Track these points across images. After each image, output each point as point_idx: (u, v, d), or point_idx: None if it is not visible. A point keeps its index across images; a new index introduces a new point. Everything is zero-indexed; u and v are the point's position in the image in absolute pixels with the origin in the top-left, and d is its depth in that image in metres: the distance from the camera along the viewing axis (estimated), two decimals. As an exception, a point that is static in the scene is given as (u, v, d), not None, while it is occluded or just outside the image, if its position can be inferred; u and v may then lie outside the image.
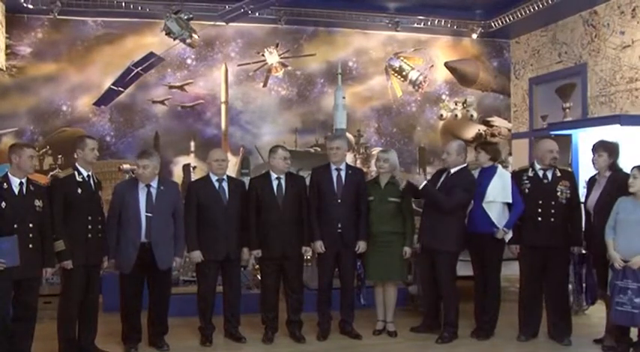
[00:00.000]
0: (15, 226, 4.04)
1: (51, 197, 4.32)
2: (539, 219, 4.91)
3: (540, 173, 5.01)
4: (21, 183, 4.15)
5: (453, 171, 5.10)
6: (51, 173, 7.51)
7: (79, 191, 4.42)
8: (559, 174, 4.97)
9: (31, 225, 4.12)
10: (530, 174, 5.05)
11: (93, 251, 4.46)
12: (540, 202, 4.92)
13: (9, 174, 4.17)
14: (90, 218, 4.45)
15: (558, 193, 4.90)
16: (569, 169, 5.15)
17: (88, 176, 4.54)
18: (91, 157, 4.56)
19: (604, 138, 4.95)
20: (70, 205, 4.37)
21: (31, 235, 4.12)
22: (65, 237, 4.30)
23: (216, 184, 5.01)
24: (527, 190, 5.00)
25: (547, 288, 5.03)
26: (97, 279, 4.62)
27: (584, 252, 5.14)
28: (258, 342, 5.04)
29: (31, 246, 4.11)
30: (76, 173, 4.48)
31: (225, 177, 5.06)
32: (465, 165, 5.13)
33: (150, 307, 4.87)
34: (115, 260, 4.68)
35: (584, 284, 5.54)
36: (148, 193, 4.69)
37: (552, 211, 4.89)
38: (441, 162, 5.26)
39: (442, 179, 5.14)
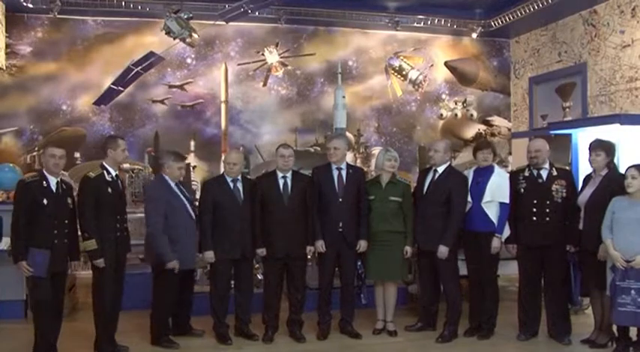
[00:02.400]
0: (55, 222, 4.27)
1: (83, 196, 4.48)
2: (535, 218, 4.91)
3: (535, 172, 5.02)
4: (57, 183, 4.36)
5: (440, 169, 5.13)
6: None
7: (110, 190, 4.55)
8: (555, 173, 4.96)
9: (66, 222, 4.36)
10: (527, 173, 5.07)
11: (121, 249, 4.63)
12: (535, 202, 4.93)
13: (45, 173, 4.36)
14: (119, 217, 4.61)
15: (554, 192, 4.89)
16: (567, 168, 5.13)
17: (116, 175, 4.68)
18: (122, 158, 4.75)
19: (599, 138, 4.95)
20: (101, 204, 4.49)
21: (66, 231, 4.35)
22: (97, 236, 4.42)
23: (231, 184, 5.04)
24: (522, 190, 5.01)
25: (546, 287, 5.04)
26: (123, 276, 4.75)
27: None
28: (259, 341, 5.04)
29: (65, 240, 4.35)
30: (105, 172, 4.59)
31: (239, 177, 5.09)
32: (449, 163, 5.21)
33: (184, 300, 5.04)
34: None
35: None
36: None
37: (547, 210, 4.89)
38: (429, 159, 5.28)
39: (430, 178, 5.16)
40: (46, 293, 4.25)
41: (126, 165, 7.03)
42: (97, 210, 4.45)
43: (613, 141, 4.96)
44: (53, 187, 4.32)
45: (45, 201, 4.23)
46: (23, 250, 4.17)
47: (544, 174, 4.97)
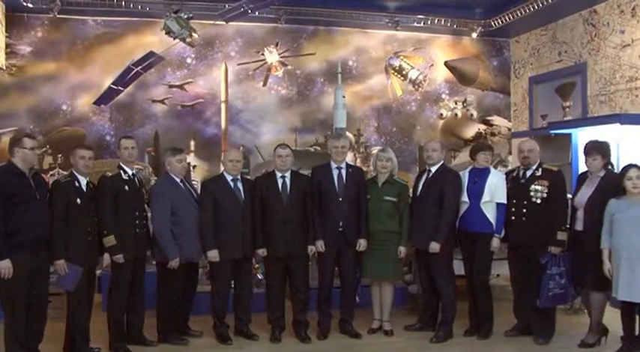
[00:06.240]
0: (89, 220, 4.51)
1: (101, 194, 4.63)
2: (513, 218, 4.97)
3: (521, 173, 5.04)
4: (87, 183, 4.61)
5: (434, 169, 5.14)
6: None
7: (127, 188, 4.70)
8: (539, 173, 4.95)
9: (96, 219, 4.59)
10: (514, 174, 5.10)
11: (140, 245, 4.78)
12: (514, 201, 4.98)
13: (75, 173, 4.57)
14: (137, 214, 4.76)
15: (531, 193, 4.90)
16: (555, 169, 5.05)
17: (133, 174, 4.83)
18: (126, 155, 4.86)
19: (593, 140, 4.96)
20: (119, 202, 4.64)
21: (96, 228, 4.58)
22: (116, 233, 4.59)
23: (232, 183, 5.04)
24: (507, 190, 5.05)
25: (528, 287, 5.01)
26: (144, 272, 4.90)
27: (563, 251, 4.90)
28: (263, 341, 5.05)
29: (96, 238, 4.58)
30: (121, 172, 4.76)
31: (239, 176, 5.10)
32: (443, 162, 5.25)
33: (185, 300, 5.10)
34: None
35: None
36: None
37: (524, 210, 4.91)
38: (427, 159, 5.27)
39: (424, 178, 5.18)
40: (84, 288, 4.51)
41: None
42: (115, 208, 4.62)
43: (606, 141, 4.96)
44: (84, 187, 4.55)
45: (79, 201, 4.45)
46: (62, 248, 4.35)
47: (528, 174, 4.99)
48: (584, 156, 4.87)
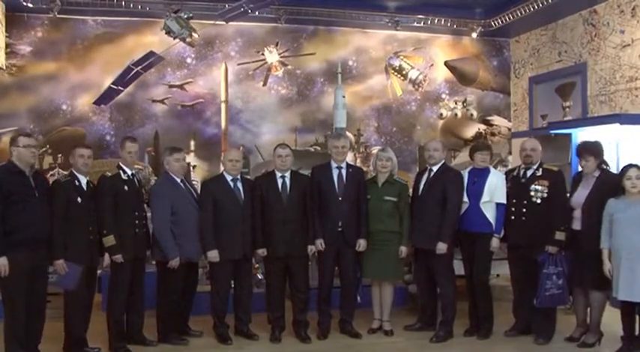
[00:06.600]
0: (90, 219, 4.51)
1: (100, 194, 4.63)
2: (513, 217, 4.97)
3: (522, 172, 5.04)
4: (87, 182, 4.61)
5: (435, 168, 5.13)
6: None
7: (126, 188, 4.70)
8: (539, 173, 4.95)
9: (96, 219, 4.56)
10: (515, 173, 5.10)
11: (140, 245, 4.79)
12: (514, 201, 4.98)
13: (75, 172, 4.58)
14: (137, 213, 4.76)
15: (532, 193, 4.90)
16: (556, 169, 5.06)
17: (132, 174, 4.83)
18: (128, 158, 4.86)
19: (584, 141, 4.95)
20: (119, 202, 4.64)
21: (97, 227, 4.56)
22: (116, 233, 4.55)
23: (231, 183, 5.04)
24: (507, 190, 5.05)
25: (528, 287, 5.01)
26: (143, 272, 4.90)
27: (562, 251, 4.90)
28: (263, 341, 5.05)
29: (97, 237, 4.58)
30: (121, 172, 4.76)
31: (238, 176, 5.10)
32: (444, 161, 5.23)
33: (185, 300, 5.10)
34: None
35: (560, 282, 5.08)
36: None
37: (524, 210, 4.91)
38: (428, 159, 5.25)
39: (425, 178, 5.16)
40: (82, 287, 4.48)
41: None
42: (115, 208, 4.59)
43: (598, 141, 4.95)
44: (84, 186, 4.56)
45: (79, 200, 4.45)
46: (62, 248, 4.35)
47: (528, 173, 4.99)
48: (577, 158, 4.87)
